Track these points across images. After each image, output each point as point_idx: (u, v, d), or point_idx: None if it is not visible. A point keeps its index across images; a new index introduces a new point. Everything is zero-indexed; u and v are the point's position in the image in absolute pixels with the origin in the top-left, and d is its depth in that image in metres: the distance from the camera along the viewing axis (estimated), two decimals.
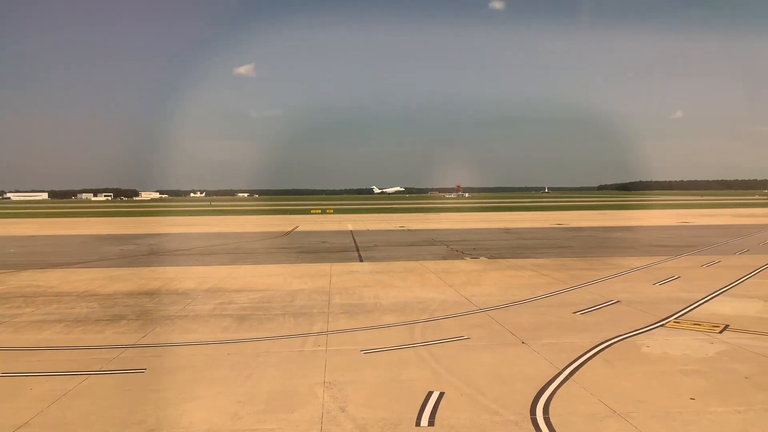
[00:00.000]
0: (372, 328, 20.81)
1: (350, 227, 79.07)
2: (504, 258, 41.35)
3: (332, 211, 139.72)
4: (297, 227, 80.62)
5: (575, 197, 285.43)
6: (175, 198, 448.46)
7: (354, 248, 50.41)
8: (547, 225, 79.64)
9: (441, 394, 13.75)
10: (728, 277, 31.08)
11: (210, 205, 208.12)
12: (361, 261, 41.20)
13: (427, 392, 13.89)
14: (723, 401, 13.18)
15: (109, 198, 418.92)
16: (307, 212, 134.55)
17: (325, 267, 37.44)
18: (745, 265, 35.78)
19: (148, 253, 48.56)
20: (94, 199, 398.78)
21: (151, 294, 28.23)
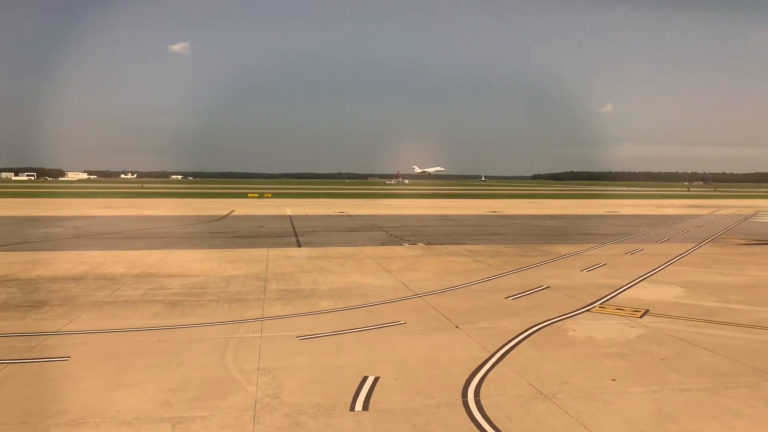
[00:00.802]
0: (309, 314, 20.73)
1: (289, 212, 78.19)
2: (441, 244, 42.02)
3: (270, 195, 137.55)
4: (233, 211, 78.97)
5: (510, 186, 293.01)
6: (105, 179, 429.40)
7: (292, 233, 49.92)
8: (482, 212, 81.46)
9: (376, 379, 13.89)
10: (650, 264, 32.81)
11: (141, 187, 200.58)
12: (300, 246, 40.87)
13: (362, 377, 13.99)
14: (641, 382, 13.95)
15: (32, 178, 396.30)
16: (244, 196, 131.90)
17: (261, 252, 36.90)
18: (666, 252, 37.85)
19: (75, 236, 46.34)
20: (15, 178, 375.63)
21: (76, 279, 27.00)
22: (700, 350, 16.51)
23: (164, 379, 13.94)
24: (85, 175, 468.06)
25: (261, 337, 17.66)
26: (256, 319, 19.76)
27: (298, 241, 44.24)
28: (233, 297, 23.40)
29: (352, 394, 12.91)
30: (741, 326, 19.34)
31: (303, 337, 17.57)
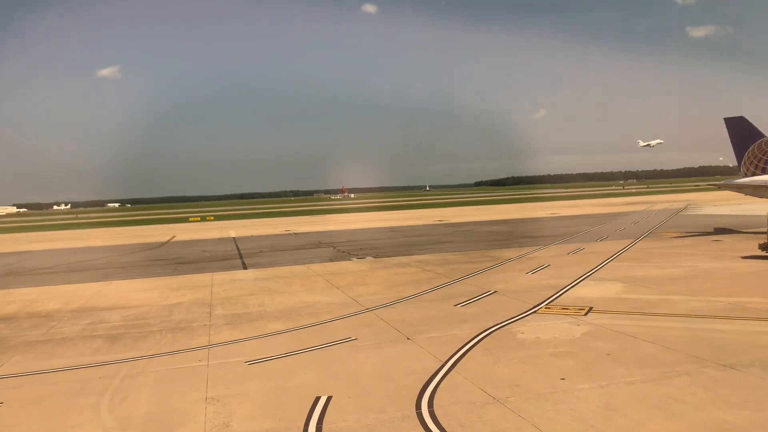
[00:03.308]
0: (257, 337, 20.28)
1: (233, 234, 76.71)
2: (389, 256, 42.12)
3: (213, 218, 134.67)
4: (174, 237, 76.84)
5: (455, 194, 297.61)
6: (36, 212, 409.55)
7: (237, 255, 48.95)
8: (429, 222, 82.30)
9: (329, 399, 13.67)
10: (591, 262, 33.86)
11: (76, 218, 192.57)
12: (245, 268, 40.09)
13: (314, 398, 13.74)
14: (588, 378, 14.28)
15: None
16: (185, 221, 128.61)
17: (205, 277, 35.97)
18: (606, 250, 39.18)
19: (4, 274, 43.93)
20: None
21: (7, 319, 25.52)
22: (642, 343, 17.07)
23: (106, 417, 13.28)
24: (13, 209, 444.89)
25: (208, 365, 17.12)
26: (203, 347, 19.17)
27: (243, 263, 43.40)
28: (177, 326, 22.64)
29: (305, 417, 12.65)
30: (678, 316, 20.16)
31: (252, 362, 17.15)
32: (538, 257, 37.56)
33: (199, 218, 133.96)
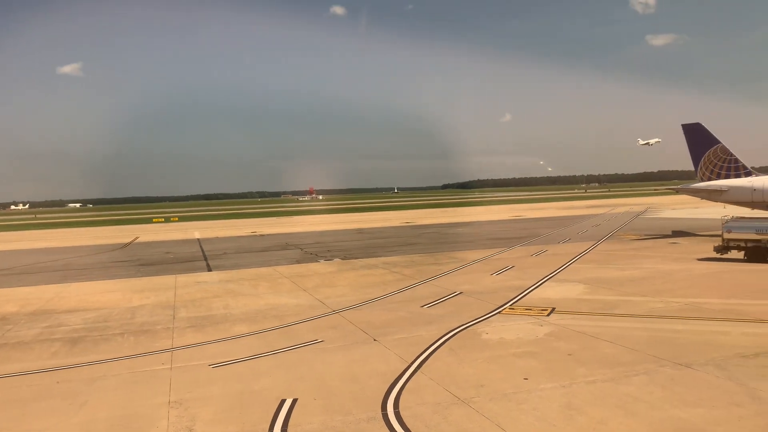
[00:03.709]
0: (222, 340, 20.04)
1: (198, 235, 75.57)
2: (357, 258, 42.12)
3: (177, 219, 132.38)
4: (137, 238, 75.31)
5: (422, 196, 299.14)
6: None
7: (202, 257, 48.26)
8: (397, 224, 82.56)
9: (294, 401, 13.60)
10: (554, 264, 34.49)
11: (35, 218, 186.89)
12: (210, 270, 39.55)
13: (279, 400, 13.66)
14: (551, 378, 14.55)
15: None
16: (149, 221, 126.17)
17: (169, 279, 35.36)
18: (568, 252, 39.96)
19: None
20: None
21: None
22: (602, 343, 17.48)
23: (66, 423, 12.94)
24: None
25: (171, 368, 16.85)
26: (166, 350, 18.85)
27: (208, 265, 42.82)
28: (140, 329, 22.22)
29: (270, 420, 12.56)
30: (638, 317, 20.70)
31: (216, 365, 16.94)
32: (502, 259, 38.07)
33: (162, 219, 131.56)
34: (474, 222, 79.65)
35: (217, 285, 32.67)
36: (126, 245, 64.87)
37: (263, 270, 38.00)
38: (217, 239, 67.98)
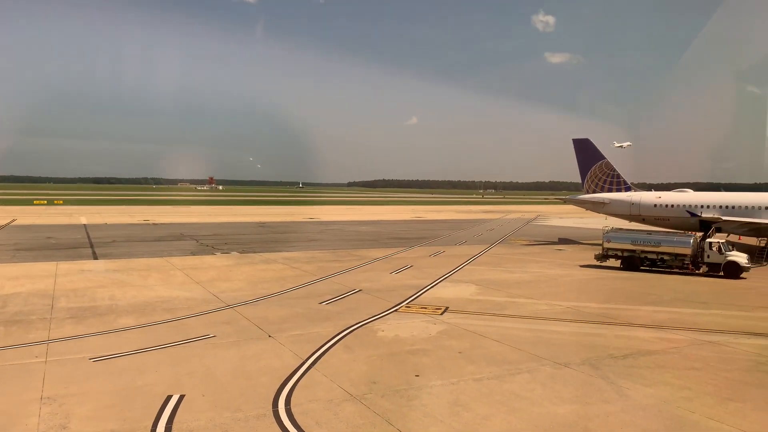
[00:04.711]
0: (105, 332, 18.89)
1: (84, 221, 70.70)
2: (256, 252, 41.25)
3: (62, 202, 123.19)
4: (14, 220, 69.24)
5: (328, 193, 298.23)
6: None
7: (88, 244, 45.23)
8: (300, 219, 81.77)
9: (181, 397, 13.09)
10: (450, 264, 35.65)
11: None
12: (96, 258, 37.17)
13: (165, 396, 13.10)
14: (441, 375, 15.04)
15: None
16: (29, 203, 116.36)
17: (49, 266, 32.83)
18: (464, 254, 41.46)
19: None
20: None
21: None
22: (490, 342, 18.31)
23: None
24: None
25: (46, 361, 15.66)
26: (41, 342, 17.49)
27: (94, 252, 40.21)
28: (12, 318, 20.46)
29: (154, 416, 12.01)
30: (524, 318, 21.89)
31: (97, 359, 15.96)
32: (402, 258, 38.82)
33: (45, 202, 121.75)
34: (377, 221, 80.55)
35: (103, 274, 30.77)
36: (1, 228, 59.44)
37: (155, 261, 36.26)
38: (106, 226, 63.99)
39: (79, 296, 24.67)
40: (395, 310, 22.66)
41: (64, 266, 33.07)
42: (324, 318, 21.26)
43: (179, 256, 38.38)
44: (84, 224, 65.34)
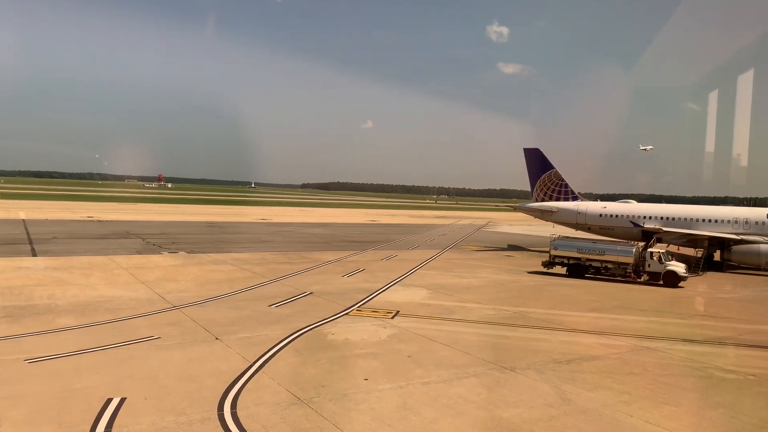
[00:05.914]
0: (43, 333, 18.13)
1: (23, 216, 67.66)
2: (205, 252, 40.43)
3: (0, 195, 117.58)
4: None
5: (280, 194, 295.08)
6: None
7: (26, 240, 43.32)
8: (251, 220, 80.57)
9: (122, 400, 12.69)
10: (402, 269, 35.84)
11: None
12: (35, 255, 35.65)
13: (105, 400, 12.66)
14: (390, 379, 15.09)
15: None
16: None
17: None
18: (415, 258, 41.75)
19: None
20: None
21: None
22: (439, 346, 18.50)
23: None
24: None
25: None
26: None
27: (33, 249, 38.54)
28: None
29: (92, 420, 11.60)
30: (472, 322, 22.22)
31: (33, 360, 15.30)
32: (354, 261, 38.78)
33: None
34: (330, 223, 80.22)
35: (42, 272, 29.54)
36: None
37: (98, 259, 35.05)
38: (47, 222, 61.44)
39: (15, 294, 23.61)
40: (346, 314, 22.61)
41: (0, 263, 31.58)
42: (273, 321, 21.02)
43: (124, 255, 37.23)
44: (23, 219, 62.55)
